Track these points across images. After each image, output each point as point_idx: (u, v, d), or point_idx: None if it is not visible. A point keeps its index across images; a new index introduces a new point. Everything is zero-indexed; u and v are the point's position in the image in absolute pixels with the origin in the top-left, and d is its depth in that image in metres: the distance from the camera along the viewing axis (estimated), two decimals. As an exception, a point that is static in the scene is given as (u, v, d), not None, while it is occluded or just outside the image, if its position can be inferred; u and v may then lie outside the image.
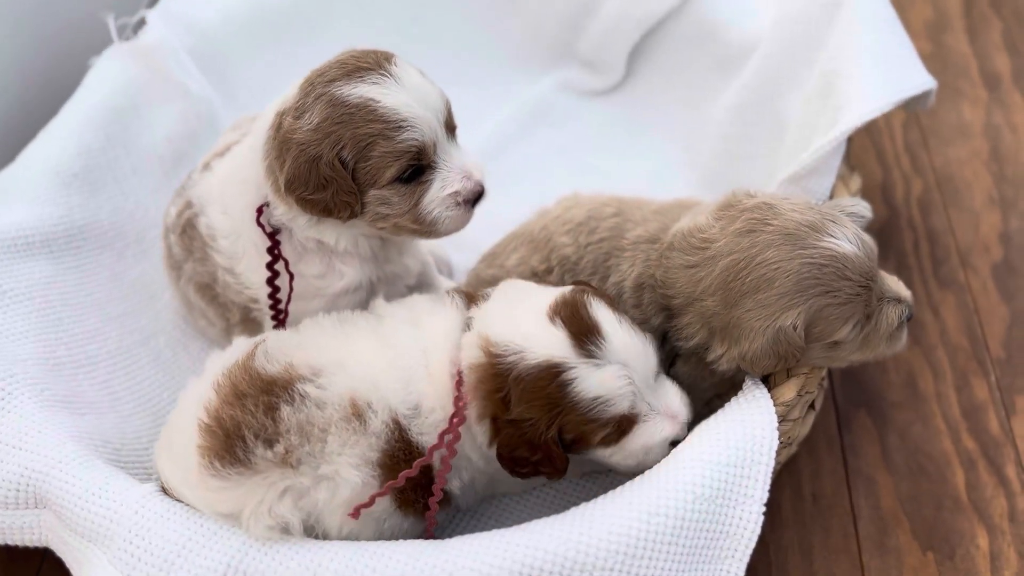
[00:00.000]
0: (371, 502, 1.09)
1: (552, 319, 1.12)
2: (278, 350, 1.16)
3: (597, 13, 1.88)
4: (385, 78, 1.17)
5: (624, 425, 1.15)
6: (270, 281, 1.28)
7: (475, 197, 1.24)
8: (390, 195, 1.21)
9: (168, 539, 1.07)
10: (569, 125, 1.90)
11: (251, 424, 1.09)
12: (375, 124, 1.16)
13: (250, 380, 1.13)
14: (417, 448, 1.14)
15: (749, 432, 1.14)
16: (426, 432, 1.15)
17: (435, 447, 1.13)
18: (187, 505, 1.12)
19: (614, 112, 1.90)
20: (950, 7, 2.20)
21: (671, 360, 1.27)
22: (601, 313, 1.14)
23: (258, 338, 1.21)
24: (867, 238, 1.18)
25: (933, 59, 2.04)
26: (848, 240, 1.15)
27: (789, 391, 1.21)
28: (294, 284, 1.29)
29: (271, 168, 1.22)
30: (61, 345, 1.38)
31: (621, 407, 1.12)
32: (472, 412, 1.14)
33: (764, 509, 1.11)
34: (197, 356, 1.52)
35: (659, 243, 1.26)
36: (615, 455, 1.18)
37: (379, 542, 1.09)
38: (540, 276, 1.35)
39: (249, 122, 1.46)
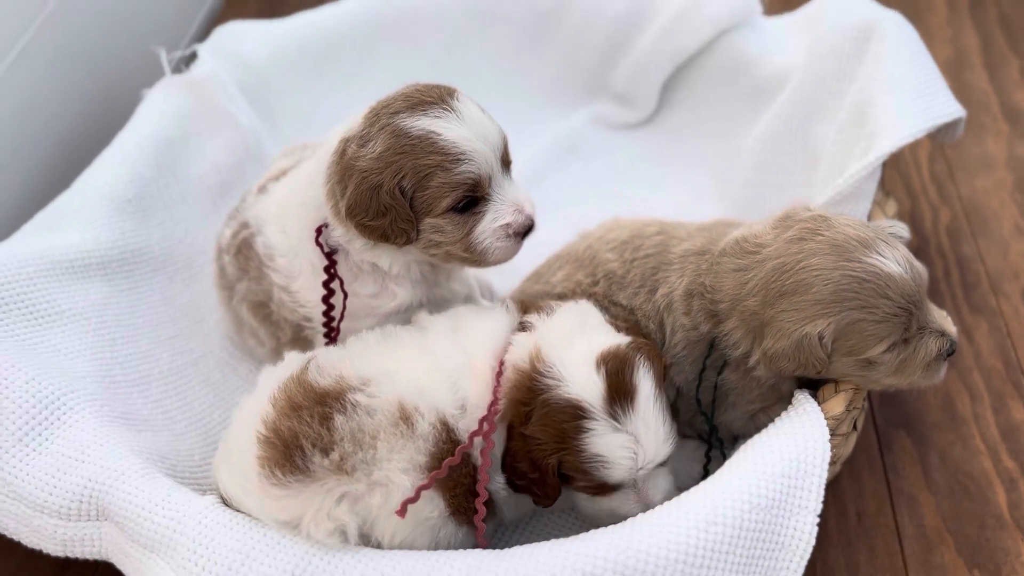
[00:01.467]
0: (416, 496, 1.11)
1: (599, 365, 1.15)
2: (328, 364, 1.19)
3: (630, 49, 1.94)
4: (447, 112, 1.21)
5: (607, 489, 1.19)
6: (325, 299, 1.31)
7: (525, 230, 1.29)
8: (444, 224, 1.25)
9: (231, 548, 1.09)
10: (602, 158, 1.95)
11: (308, 434, 1.12)
12: (435, 156, 1.20)
13: (304, 393, 1.16)
14: (458, 443, 1.17)
15: (802, 444, 1.16)
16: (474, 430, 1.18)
17: (475, 433, 1.15)
18: (248, 516, 1.14)
19: (645, 145, 1.95)
20: (969, 47, 2.26)
21: (720, 367, 1.30)
22: (644, 383, 1.16)
23: (309, 354, 1.25)
24: (918, 264, 1.20)
25: (955, 95, 2.08)
26: (896, 261, 1.17)
27: (838, 405, 1.23)
28: (348, 303, 1.32)
29: (332, 192, 1.26)
30: (116, 364, 1.41)
31: (614, 476, 1.16)
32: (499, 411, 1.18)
33: (818, 520, 1.13)
34: (246, 377, 1.54)
35: (708, 254, 1.30)
36: (587, 503, 1.24)
37: (440, 551, 1.11)
38: (586, 289, 1.38)
39: (300, 149, 1.51)
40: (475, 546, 1.19)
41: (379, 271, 1.33)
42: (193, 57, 1.76)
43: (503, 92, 2.02)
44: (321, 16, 1.96)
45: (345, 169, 1.23)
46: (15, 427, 1.20)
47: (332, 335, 1.34)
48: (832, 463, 1.29)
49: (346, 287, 1.32)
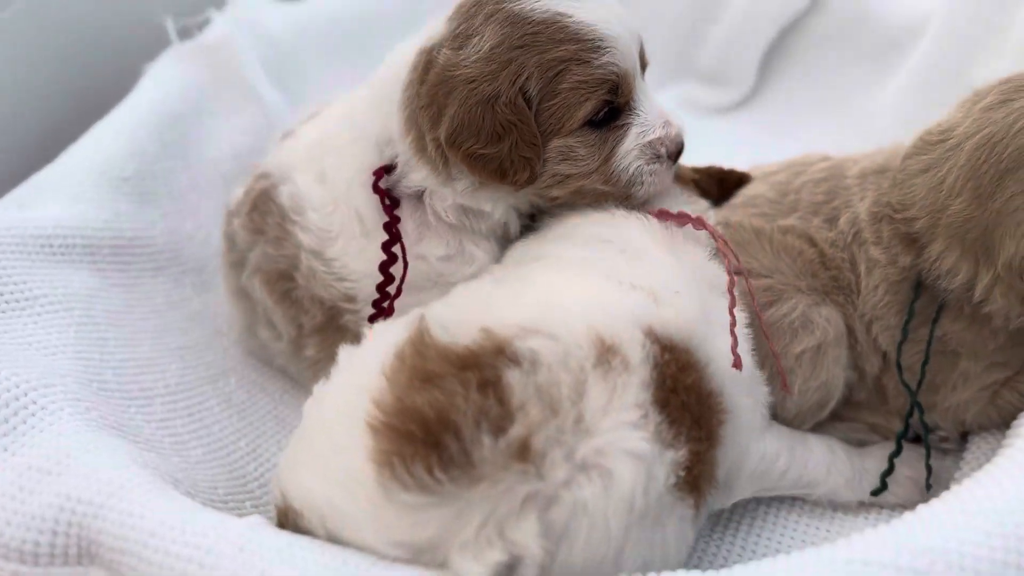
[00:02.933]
0: (733, 323, 0.86)
1: None
2: (456, 320, 0.80)
3: (720, 17, 1.66)
4: None
5: None
6: (384, 267, 0.96)
7: (678, 150, 0.99)
8: (577, 145, 0.94)
9: (297, 584, 0.68)
10: (695, 148, 1.62)
11: (462, 407, 0.71)
12: (568, 45, 0.91)
13: (439, 356, 0.76)
14: (677, 346, 0.82)
15: None
16: None
17: (734, 345, 0.85)
18: (326, 539, 0.74)
19: (747, 126, 1.65)
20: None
21: (935, 315, 0.95)
22: None
23: (413, 313, 0.85)
24: None
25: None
26: None
27: None
28: (411, 269, 0.97)
29: (413, 120, 0.95)
30: (108, 369, 1.02)
31: None
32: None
33: None
34: (280, 399, 1.16)
35: (889, 171, 0.99)
36: None
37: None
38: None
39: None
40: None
41: (457, 229, 0.99)
42: (207, 25, 1.45)
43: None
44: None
45: (438, 84, 0.91)
46: (-43, 432, 0.81)
47: (384, 312, 0.97)
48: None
49: (410, 249, 0.98)
